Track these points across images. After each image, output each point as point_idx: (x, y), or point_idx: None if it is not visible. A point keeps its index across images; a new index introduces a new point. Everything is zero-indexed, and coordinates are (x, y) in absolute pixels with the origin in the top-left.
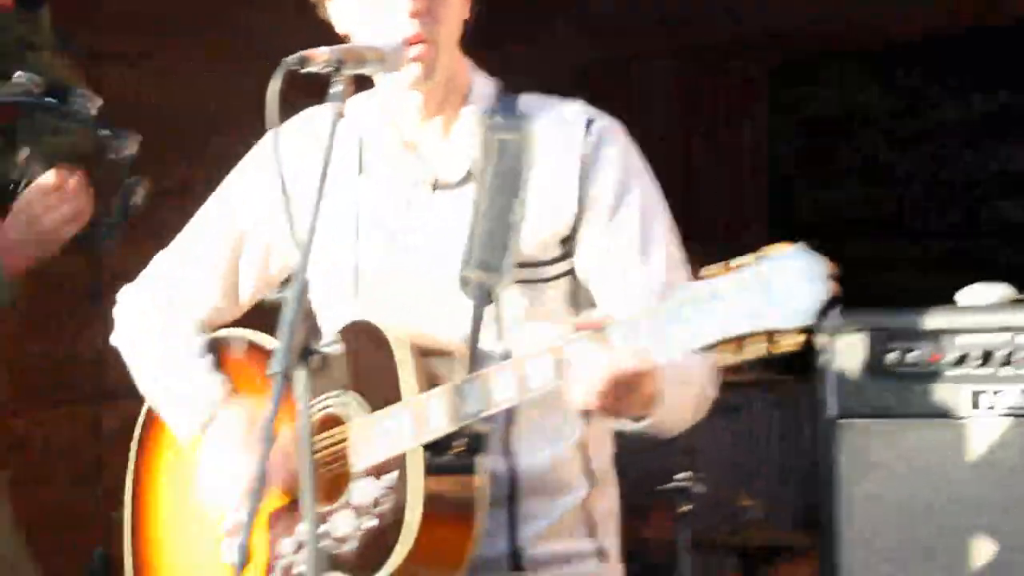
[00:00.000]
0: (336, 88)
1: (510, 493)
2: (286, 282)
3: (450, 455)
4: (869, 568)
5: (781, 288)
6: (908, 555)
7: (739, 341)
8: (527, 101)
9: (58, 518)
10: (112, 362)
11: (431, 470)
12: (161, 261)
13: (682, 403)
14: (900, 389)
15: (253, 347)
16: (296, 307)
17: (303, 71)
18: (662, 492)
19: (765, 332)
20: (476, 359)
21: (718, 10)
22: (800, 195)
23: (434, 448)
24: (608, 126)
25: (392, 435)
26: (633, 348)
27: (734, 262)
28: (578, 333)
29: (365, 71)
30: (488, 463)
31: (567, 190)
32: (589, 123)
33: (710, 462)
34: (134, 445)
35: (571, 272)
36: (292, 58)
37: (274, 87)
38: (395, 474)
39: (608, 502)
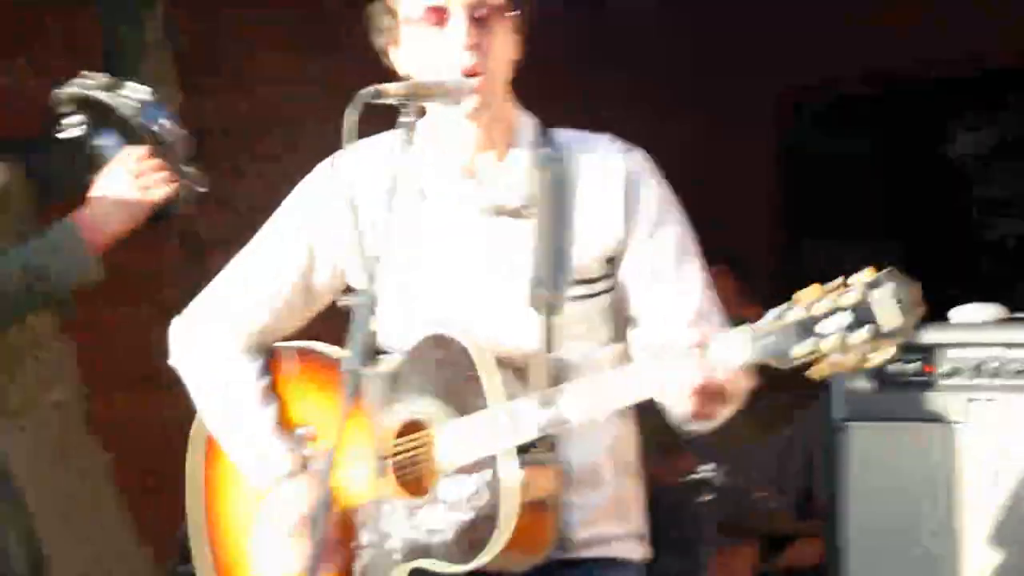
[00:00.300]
0: (406, 118)
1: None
2: (349, 291)
3: (535, 453)
4: (868, 553)
5: (874, 308)
6: (902, 542)
7: (825, 359)
8: (563, 134)
9: (149, 495)
10: None
11: (523, 467)
12: (219, 284)
13: (736, 405)
14: (900, 396)
15: (308, 354)
16: (366, 318)
17: (376, 102)
18: (680, 484)
19: (851, 348)
20: (551, 367)
21: None
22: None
23: (521, 447)
24: (643, 155)
25: (487, 437)
26: (726, 363)
27: (827, 285)
28: (680, 348)
29: (432, 103)
30: (562, 462)
31: (614, 213)
32: (626, 152)
33: (730, 456)
34: (199, 446)
35: (612, 288)
36: (367, 90)
37: (351, 117)
38: (487, 472)
39: (638, 491)
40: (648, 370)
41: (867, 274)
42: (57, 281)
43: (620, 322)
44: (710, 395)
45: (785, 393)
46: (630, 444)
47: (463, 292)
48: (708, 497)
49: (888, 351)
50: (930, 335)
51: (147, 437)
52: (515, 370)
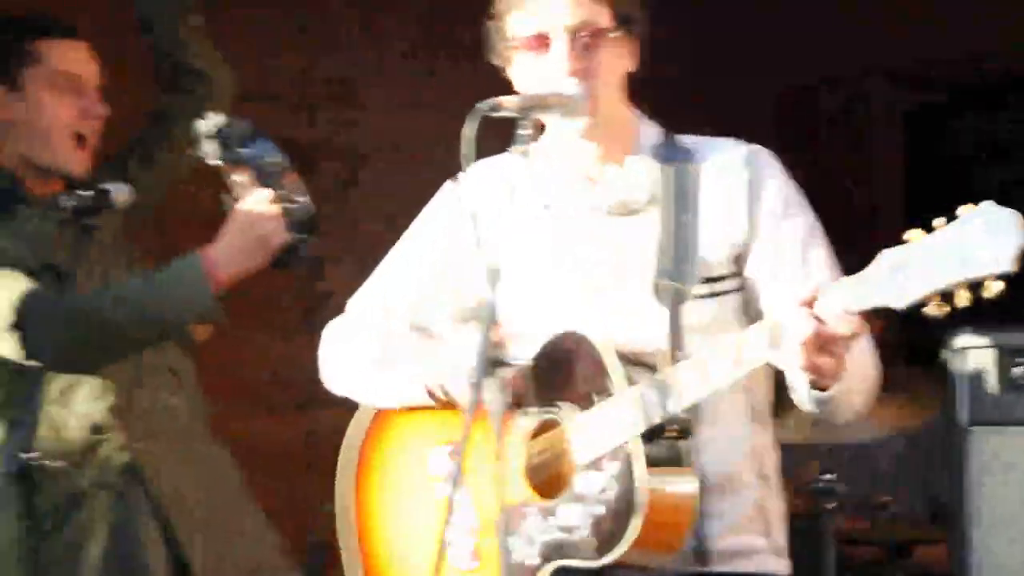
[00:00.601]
0: (523, 131)
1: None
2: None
3: (666, 441)
4: (995, 560)
5: (977, 240)
6: None
7: (945, 294)
8: (686, 138)
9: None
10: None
11: (651, 456)
12: (360, 298)
13: (859, 381)
14: None
15: None
16: (486, 327)
17: (494, 115)
18: (808, 492)
19: (967, 282)
20: (678, 359)
21: None
22: None
23: (651, 436)
24: (767, 154)
25: (613, 427)
26: (835, 307)
27: (934, 223)
28: (796, 305)
29: (549, 116)
30: (697, 447)
31: (738, 211)
32: (749, 152)
33: (854, 465)
34: (354, 453)
35: (740, 289)
36: (485, 104)
37: (469, 130)
38: (618, 463)
39: (778, 503)
40: (758, 330)
41: (967, 209)
42: (175, 319)
43: (752, 322)
44: (823, 345)
45: (906, 394)
46: (770, 454)
47: (589, 294)
48: (831, 506)
49: (996, 282)
50: None
51: (269, 455)
52: (643, 365)
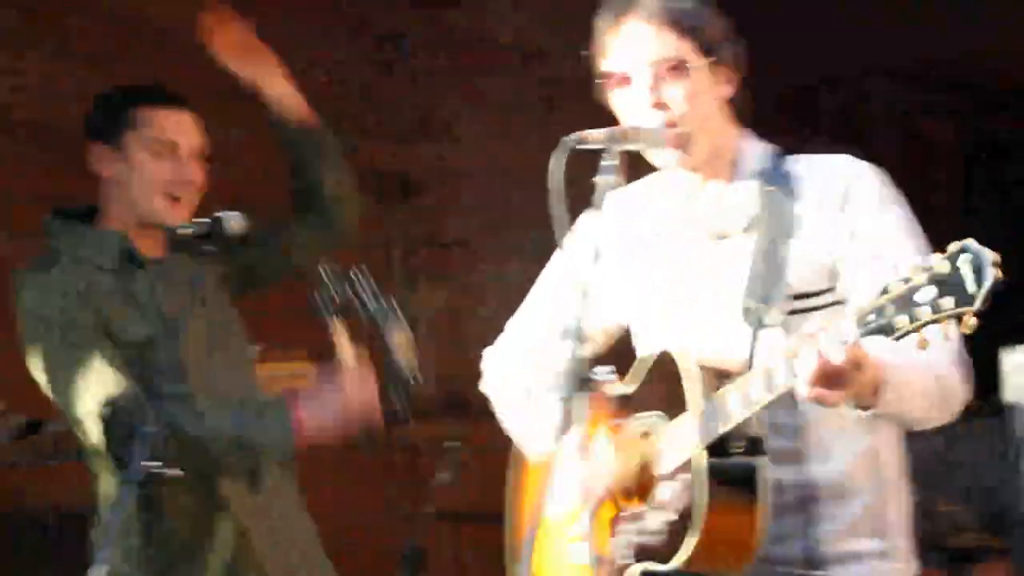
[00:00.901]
0: (608, 162)
1: (804, 497)
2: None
3: (731, 457)
4: None
5: (954, 279)
6: None
7: (923, 327)
8: (795, 159)
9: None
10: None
11: (713, 469)
12: (514, 324)
13: (912, 395)
14: None
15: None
16: (575, 345)
17: (580, 148)
18: None
19: (945, 318)
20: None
21: None
22: None
23: (717, 451)
24: (865, 171)
25: (680, 441)
26: (838, 345)
27: (921, 260)
28: (804, 338)
29: (633, 148)
30: (774, 469)
31: (831, 228)
32: (848, 171)
33: (917, 476)
34: (514, 468)
35: (838, 302)
36: (571, 137)
37: (558, 162)
38: (687, 476)
39: (898, 505)
40: (782, 359)
41: (955, 245)
42: (251, 454)
43: None
44: (828, 379)
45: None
46: (891, 454)
47: (688, 312)
48: None
49: (971, 319)
50: None
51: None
52: (725, 380)
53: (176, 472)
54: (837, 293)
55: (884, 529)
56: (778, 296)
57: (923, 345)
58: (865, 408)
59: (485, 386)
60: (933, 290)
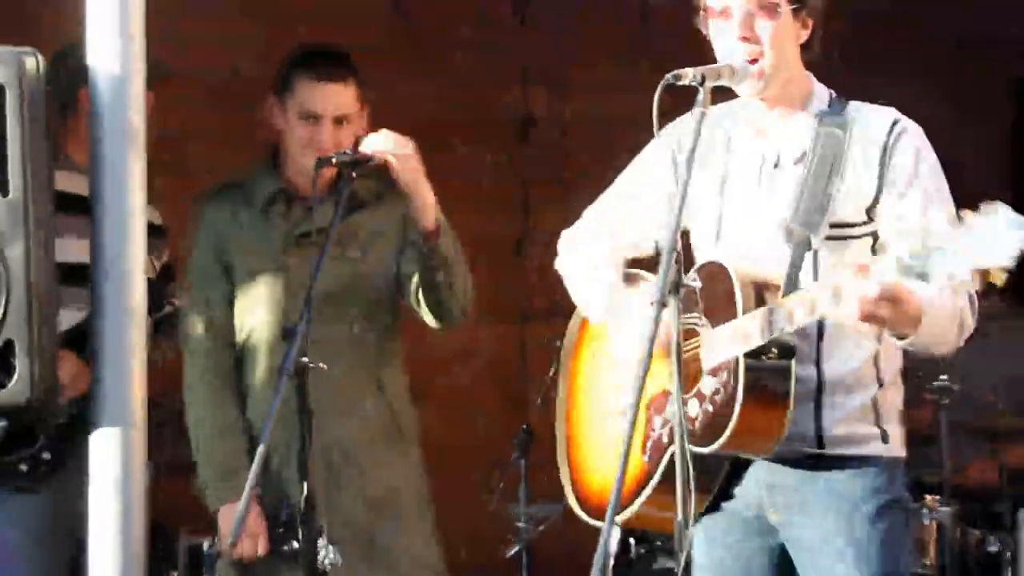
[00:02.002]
0: (701, 96)
1: (817, 389)
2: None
3: (766, 360)
4: None
5: (986, 234)
6: None
7: (958, 276)
8: (853, 105)
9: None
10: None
11: (750, 370)
12: (591, 213)
13: (941, 330)
14: None
15: (631, 278)
16: (670, 251)
17: (678, 84)
18: (927, 390)
19: (979, 270)
20: (791, 290)
21: None
22: None
23: (754, 354)
24: (908, 126)
25: (729, 344)
26: (876, 281)
27: (962, 214)
28: (851, 271)
29: (721, 83)
30: (796, 368)
31: (872, 172)
32: (894, 123)
33: (966, 370)
34: (567, 347)
35: (872, 234)
36: (669, 75)
37: (658, 94)
38: (726, 373)
39: (892, 399)
40: (826, 289)
41: (987, 207)
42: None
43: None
44: (872, 307)
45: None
46: (891, 359)
47: (745, 227)
48: (946, 401)
49: (1003, 273)
50: None
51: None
52: (772, 292)
53: (321, 366)
54: (870, 227)
55: (879, 418)
56: (819, 223)
57: (956, 288)
58: (902, 338)
59: (558, 263)
60: (970, 245)
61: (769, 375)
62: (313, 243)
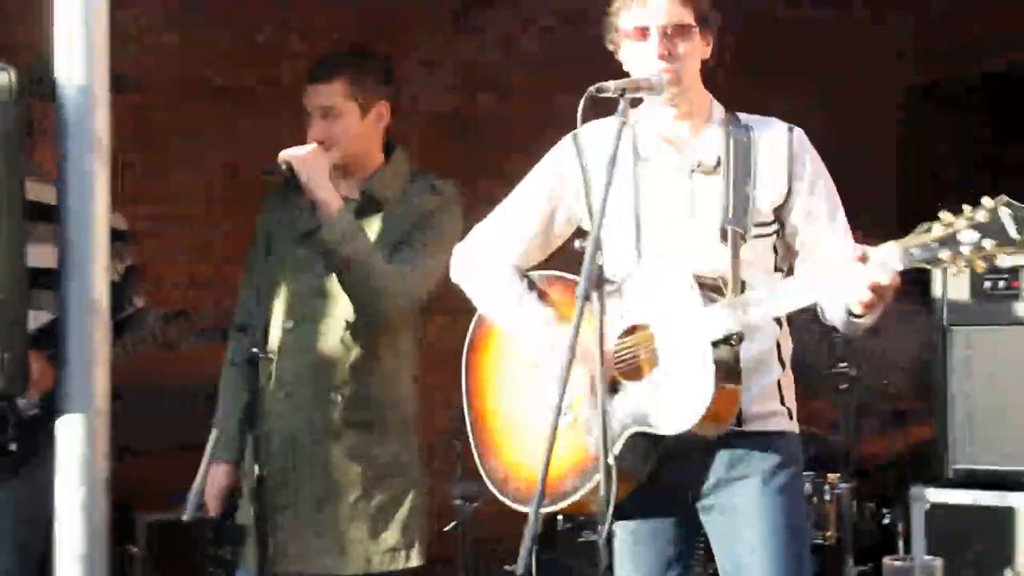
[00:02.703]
0: (622, 106)
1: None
2: (582, 235)
3: (727, 346)
4: (966, 422)
5: (992, 225)
6: (995, 417)
7: (962, 261)
8: (746, 117)
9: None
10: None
11: (719, 359)
12: (486, 227)
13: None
14: (992, 306)
15: (550, 278)
16: (592, 253)
17: (600, 96)
18: (826, 375)
19: (983, 254)
20: (737, 283)
21: None
22: None
23: (719, 343)
24: (801, 133)
25: (694, 334)
26: (885, 266)
27: (962, 208)
28: (855, 261)
29: (640, 95)
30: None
31: (780, 174)
32: (790, 130)
33: (861, 356)
34: (469, 335)
35: (779, 231)
36: (593, 88)
37: (582, 105)
38: (694, 360)
39: (790, 381)
40: (817, 279)
41: (989, 200)
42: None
43: (781, 255)
44: (883, 293)
45: (899, 306)
46: (787, 345)
47: (673, 231)
48: (845, 386)
49: (1009, 253)
50: (1016, 259)
51: None
52: (713, 289)
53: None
54: (776, 225)
55: (783, 397)
56: (747, 223)
57: (957, 271)
58: (859, 317)
59: (457, 277)
60: (976, 234)
61: (731, 362)
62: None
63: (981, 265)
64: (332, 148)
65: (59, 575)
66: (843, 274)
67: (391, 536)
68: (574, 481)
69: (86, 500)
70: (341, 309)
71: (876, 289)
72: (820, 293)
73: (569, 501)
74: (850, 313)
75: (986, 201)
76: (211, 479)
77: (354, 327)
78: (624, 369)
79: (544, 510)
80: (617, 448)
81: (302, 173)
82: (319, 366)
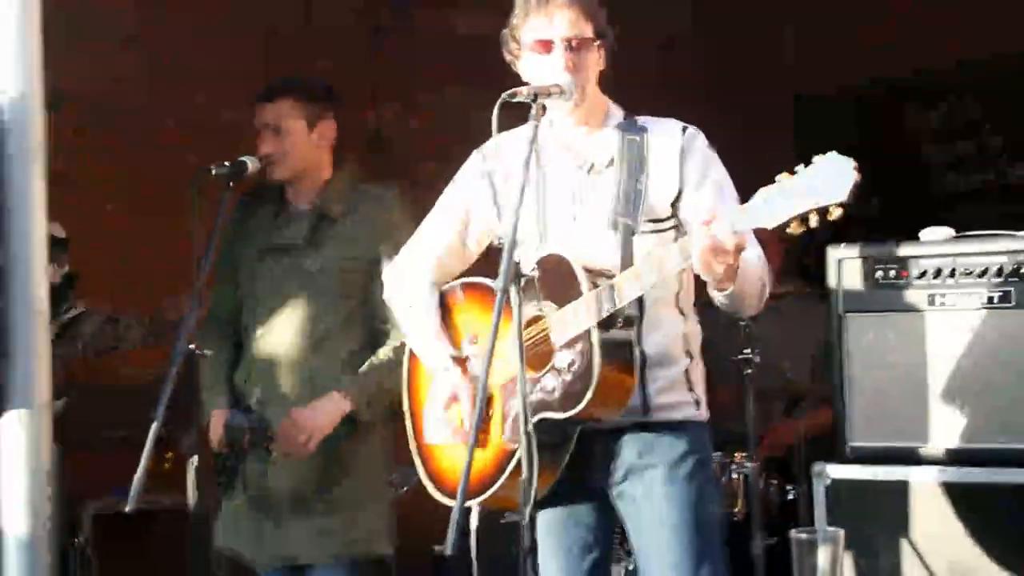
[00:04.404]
0: (534, 110)
1: (642, 365)
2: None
3: (615, 330)
4: (864, 408)
5: (825, 179)
6: (889, 399)
7: (802, 217)
8: (643, 119)
9: None
10: None
11: (603, 340)
12: (408, 248)
13: (750, 288)
14: (884, 293)
15: (469, 285)
16: (510, 249)
17: (513, 101)
18: (733, 361)
19: (818, 208)
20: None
21: None
22: None
23: (605, 325)
24: (694, 131)
25: (579, 319)
26: (730, 229)
27: (796, 169)
28: (699, 225)
29: (550, 100)
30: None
31: (672, 170)
32: (684, 129)
33: (765, 343)
34: (406, 355)
35: (677, 226)
36: (506, 94)
37: (496, 112)
38: (582, 344)
39: (699, 370)
40: (672, 247)
41: (819, 157)
42: None
43: None
44: (718, 253)
45: (798, 296)
46: (694, 336)
47: (569, 228)
48: (749, 371)
49: (839, 210)
50: (905, 250)
51: None
52: (604, 277)
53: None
54: (674, 220)
55: (691, 386)
56: (637, 216)
57: (796, 229)
58: (722, 290)
59: (386, 296)
60: (807, 185)
61: (619, 343)
62: (282, 251)
63: (815, 221)
64: (281, 162)
65: (5, 561)
66: (689, 239)
67: (365, 524)
68: (493, 474)
69: (31, 490)
70: (304, 315)
71: (715, 248)
72: (679, 258)
73: (490, 492)
74: (715, 287)
75: (817, 158)
76: (212, 427)
77: (317, 333)
78: (529, 358)
79: (470, 502)
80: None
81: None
82: (286, 368)
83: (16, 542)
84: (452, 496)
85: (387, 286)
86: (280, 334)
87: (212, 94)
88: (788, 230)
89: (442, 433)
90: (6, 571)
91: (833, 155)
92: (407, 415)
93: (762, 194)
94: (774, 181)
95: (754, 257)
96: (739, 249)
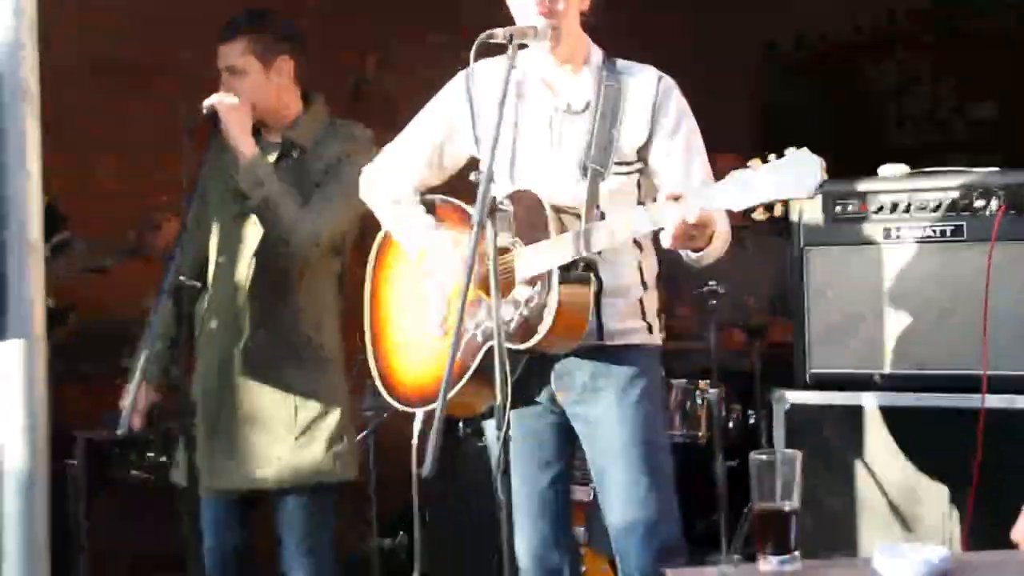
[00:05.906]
0: (510, 51)
1: (597, 292)
2: (476, 167)
3: (575, 272)
4: (821, 332)
5: (794, 174)
6: (847, 328)
7: (765, 205)
8: (622, 63)
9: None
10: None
11: (563, 280)
12: (389, 151)
13: (721, 245)
14: (844, 227)
15: (446, 203)
16: (487, 185)
17: (491, 42)
18: (698, 293)
19: (781, 200)
20: (591, 215)
21: None
22: None
23: (565, 267)
24: (670, 83)
25: (546, 258)
26: (700, 207)
27: (768, 157)
28: (666, 200)
29: (526, 41)
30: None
31: (644, 118)
32: (660, 79)
33: (729, 275)
34: (372, 258)
35: (642, 169)
36: (483, 35)
37: (474, 52)
38: (540, 283)
39: (653, 299)
40: (643, 213)
41: (791, 150)
42: None
43: (645, 191)
44: (686, 229)
45: (761, 232)
46: (650, 267)
47: (540, 164)
48: (713, 302)
49: (802, 202)
50: (864, 185)
51: None
52: (570, 215)
53: (196, 284)
54: (639, 164)
55: (645, 315)
56: (607, 161)
57: (760, 216)
58: (697, 251)
59: (364, 195)
60: (775, 178)
61: (577, 285)
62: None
63: (780, 209)
64: (242, 104)
65: (4, 489)
66: (659, 209)
67: (316, 449)
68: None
69: (27, 418)
70: (257, 247)
71: (684, 234)
72: (648, 224)
73: (440, 402)
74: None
75: (791, 151)
76: (137, 398)
77: (267, 265)
78: (485, 286)
79: (422, 408)
80: (478, 358)
81: (224, 121)
82: (242, 299)
83: (15, 471)
84: (406, 403)
85: (365, 184)
86: (240, 264)
87: (202, 45)
88: (752, 214)
89: (432, 322)
90: (4, 499)
91: (805, 151)
92: (369, 331)
93: (733, 178)
94: (746, 165)
95: (721, 218)
96: (706, 225)
